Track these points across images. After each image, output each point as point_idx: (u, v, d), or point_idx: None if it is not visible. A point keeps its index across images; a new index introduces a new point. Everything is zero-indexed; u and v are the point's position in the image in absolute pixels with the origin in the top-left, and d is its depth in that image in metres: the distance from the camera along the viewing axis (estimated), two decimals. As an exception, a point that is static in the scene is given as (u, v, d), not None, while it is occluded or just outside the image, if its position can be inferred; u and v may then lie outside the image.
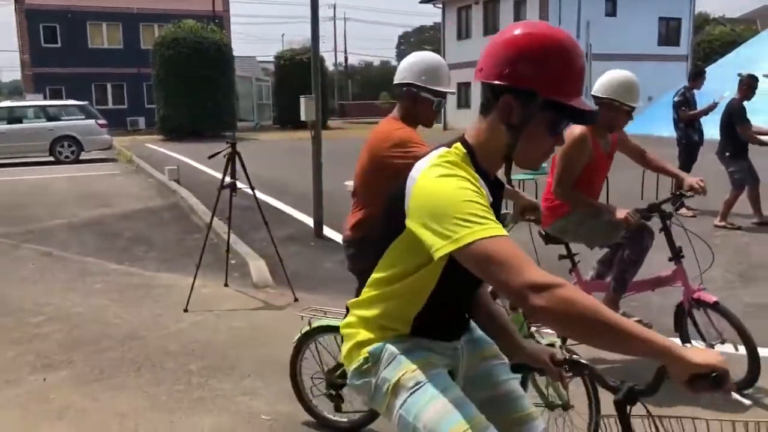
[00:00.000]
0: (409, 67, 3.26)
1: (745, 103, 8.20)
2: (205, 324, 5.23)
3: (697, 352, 1.39)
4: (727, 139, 8.29)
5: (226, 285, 6.28)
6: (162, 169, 14.69)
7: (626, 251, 3.99)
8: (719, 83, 23.73)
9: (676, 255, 3.92)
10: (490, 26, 33.70)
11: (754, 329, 3.75)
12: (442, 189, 1.58)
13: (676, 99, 9.35)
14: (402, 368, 1.77)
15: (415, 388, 1.74)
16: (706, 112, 9.07)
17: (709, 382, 1.36)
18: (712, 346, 3.81)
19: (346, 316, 1.96)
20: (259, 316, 5.44)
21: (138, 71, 37.04)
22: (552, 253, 3.98)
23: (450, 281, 1.76)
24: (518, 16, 31.63)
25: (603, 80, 3.98)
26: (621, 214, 3.79)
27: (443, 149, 1.73)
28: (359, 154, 3.41)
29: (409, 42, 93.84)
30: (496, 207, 1.77)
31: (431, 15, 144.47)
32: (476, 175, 1.65)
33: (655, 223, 4.01)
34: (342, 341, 1.96)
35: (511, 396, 1.93)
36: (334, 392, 3.37)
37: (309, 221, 9.18)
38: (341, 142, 25.70)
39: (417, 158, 3.05)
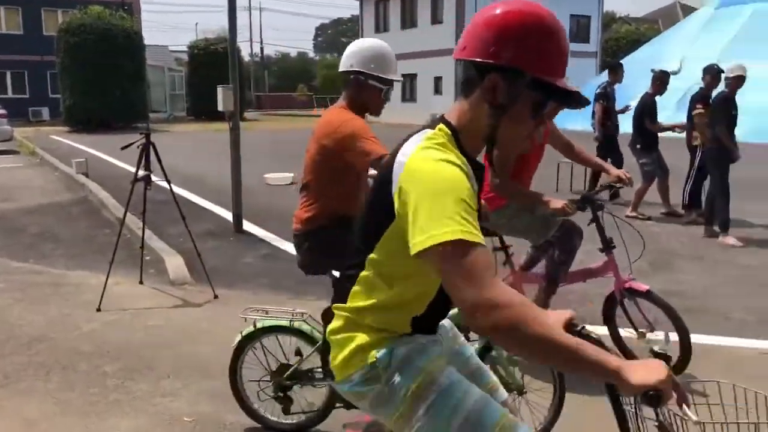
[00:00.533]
0: (356, 54, 3.16)
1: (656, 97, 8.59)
2: (119, 323, 4.99)
3: (638, 369, 1.36)
4: (639, 132, 8.64)
5: (141, 282, 6.03)
6: (69, 162, 13.99)
7: (556, 251, 4.00)
8: (627, 79, 24.83)
9: (607, 246, 3.96)
10: (408, 20, 33.94)
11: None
12: (431, 176, 1.50)
13: (597, 92, 9.63)
14: (420, 371, 1.69)
15: (439, 389, 1.68)
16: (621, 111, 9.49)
17: (646, 399, 1.35)
18: (643, 335, 3.92)
19: (328, 320, 1.84)
20: (177, 314, 5.24)
21: (41, 59, 35.17)
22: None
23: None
24: (435, 10, 31.97)
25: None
26: (558, 204, 3.80)
27: (428, 131, 1.64)
28: (307, 145, 3.27)
29: (327, 34, 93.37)
30: (477, 191, 1.69)
31: (349, 7, 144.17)
32: (464, 159, 1.59)
33: (582, 217, 4.04)
34: (330, 347, 1.81)
35: (481, 370, 1.98)
36: (282, 394, 3.26)
37: (227, 215, 8.95)
38: (259, 134, 25.31)
39: (369, 154, 2.99)
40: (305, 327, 3.22)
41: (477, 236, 1.42)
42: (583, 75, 31.83)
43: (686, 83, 17.34)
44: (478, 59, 1.58)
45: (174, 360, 4.27)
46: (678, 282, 5.94)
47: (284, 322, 3.22)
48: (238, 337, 3.29)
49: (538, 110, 1.62)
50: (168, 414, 3.57)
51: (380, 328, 1.72)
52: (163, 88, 40.25)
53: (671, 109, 16.59)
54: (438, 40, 30.71)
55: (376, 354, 1.70)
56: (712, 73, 8.16)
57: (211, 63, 34.06)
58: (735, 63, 7.72)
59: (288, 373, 3.22)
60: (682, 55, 22.53)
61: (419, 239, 1.43)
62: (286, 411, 3.25)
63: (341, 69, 3.19)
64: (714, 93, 8.08)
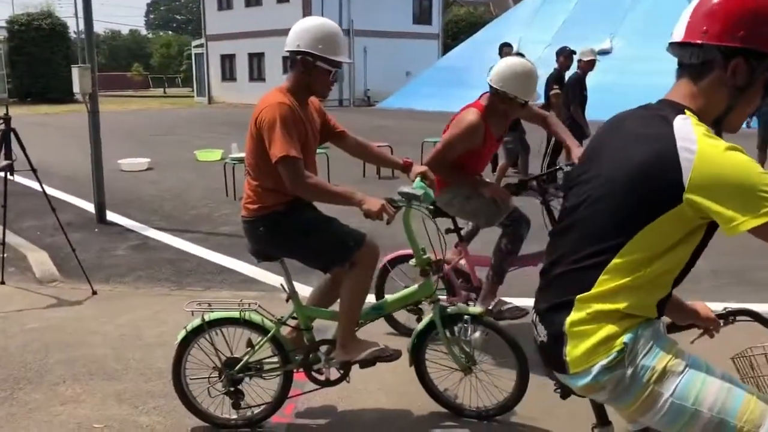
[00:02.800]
0: (304, 34, 2.99)
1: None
2: (-11, 329, 4.51)
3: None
4: None
5: (2, 282, 5.47)
6: None
7: (503, 241, 3.95)
8: (468, 61, 25.93)
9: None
10: (253, -2, 33.10)
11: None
12: (735, 161, 1.54)
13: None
14: (664, 354, 1.67)
15: (684, 372, 1.66)
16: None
17: None
18: None
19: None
20: (55, 315, 4.82)
21: None
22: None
23: (694, 257, 1.71)
24: (279, -12, 31.43)
25: (498, 69, 3.87)
26: (488, 192, 3.85)
27: (684, 116, 1.64)
28: (248, 127, 3.08)
29: (159, 10, 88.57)
30: None
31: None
32: None
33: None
34: (566, 340, 1.73)
35: None
36: (233, 389, 3.11)
37: (86, 205, 8.36)
38: (100, 117, 23.64)
39: (275, 151, 2.88)
40: (256, 317, 3.10)
41: None
42: (426, 56, 32.91)
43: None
44: (727, 44, 1.61)
45: (66, 364, 3.93)
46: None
47: (234, 314, 3.09)
48: (183, 333, 3.10)
49: None
50: (74, 423, 3.29)
51: (630, 314, 1.69)
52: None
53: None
54: (285, 19, 30.09)
55: (624, 339, 1.67)
56: (565, 54, 8.74)
57: (35, 40, 31.33)
58: (587, 47, 8.32)
59: (239, 366, 3.09)
60: (519, 37, 23.85)
61: (740, 219, 1.51)
62: (237, 406, 3.13)
63: (286, 49, 3.01)
64: (567, 74, 8.68)
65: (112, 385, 3.67)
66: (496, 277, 4.02)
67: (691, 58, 1.68)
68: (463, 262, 4.19)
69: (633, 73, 18.60)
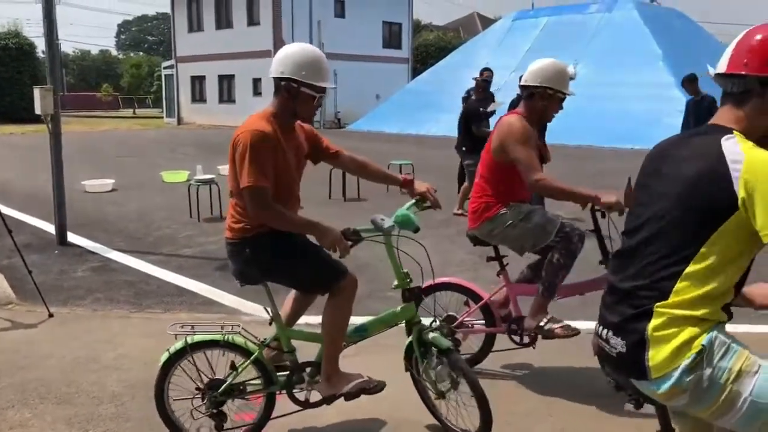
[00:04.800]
0: (287, 60, 3.02)
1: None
2: (-62, 353, 4.42)
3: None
4: (464, 135, 9.11)
5: (-45, 305, 5.38)
6: None
7: (556, 255, 3.74)
8: (437, 85, 26.28)
9: (607, 258, 3.73)
10: (223, 20, 33.16)
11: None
12: None
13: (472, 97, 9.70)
14: (739, 355, 1.82)
15: (759, 372, 1.80)
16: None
17: None
18: None
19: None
20: (7, 338, 4.75)
21: None
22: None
23: (750, 262, 1.88)
24: (251, 10, 31.56)
25: (534, 69, 3.85)
26: (611, 197, 3.53)
27: (731, 135, 1.86)
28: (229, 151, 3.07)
29: (130, 31, 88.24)
30: None
31: (154, 4, 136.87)
32: None
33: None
34: (649, 345, 1.86)
35: None
36: (215, 410, 3.10)
37: (46, 227, 8.25)
38: (67, 138, 23.23)
39: (241, 181, 2.90)
40: (239, 339, 3.10)
41: None
42: (396, 80, 33.28)
43: (494, 89, 18.68)
44: (765, 74, 1.86)
45: (17, 388, 3.87)
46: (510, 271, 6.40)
47: (216, 336, 3.08)
48: (166, 355, 3.09)
49: None
50: (22, 447, 3.25)
51: (706, 318, 1.83)
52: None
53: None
54: (255, 42, 30.33)
55: (702, 341, 1.80)
56: (524, 80, 8.89)
57: (2, 59, 30.94)
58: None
59: (222, 388, 3.09)
60: (486, 62, 24.26)
61: None
62: (220, 428, 3.12)
63: (272, 75, 3.05)
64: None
65: (63, 409, 3.62)
66: (547, 291, 3.81)
67: (734, 87, 1.92)
68: (505, 291, 4.04)
69: (597, 98, 18.99)
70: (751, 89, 1.88)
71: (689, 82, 10.36)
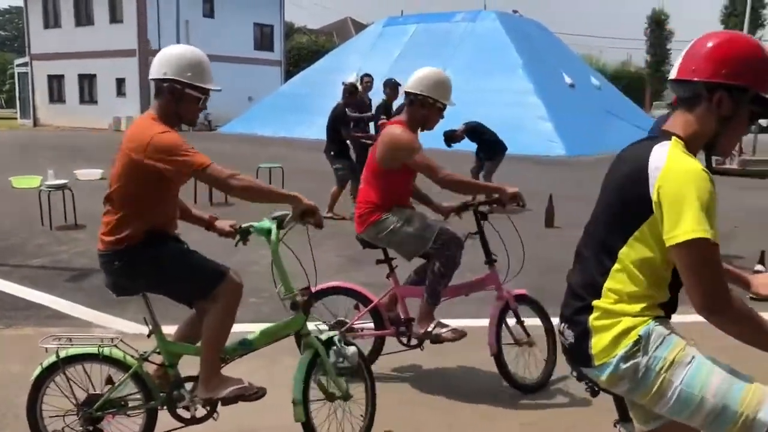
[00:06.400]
0: (171, 61, 2.92)
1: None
2: None
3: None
4: (332, 140, 9.16)
5: None
6: None
7: (436, 264, 3.85)
8: (309, 88, 26.28)
9: (490, 258, 3.95)
10: (83, 17, 31.46)
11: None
12: (690, 179, 1.82)
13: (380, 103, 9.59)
14: (674, 346, 1.92)
15: (691, 363, 1.89)
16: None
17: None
18: (532, 344, 4.00)
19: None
20: None
21: None
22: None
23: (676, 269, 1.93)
24: (113, 7, 30.16)
25: (418, 77, 3.91)
26: (512, 189, 3.83)
27: (668, 141, 1.93)
28: (115, 155, 2.95)
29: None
30: None
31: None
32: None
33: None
34: (591, 335, 1.99)
35: None
36: (90, 428, 2.93)
37: None
38: None
39: (191, 165, 2.80)
40: (117, 353, 2.95)
41: (715, 235, 1.80)
42: (269, 82, 32.96)
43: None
44: (711, 80, 1.90)
45: None
46: (377, 273, 6.54)
47: (92, 350, 2.92)
48: (38, 370, 2.90)
49: (754, 120, 1.98)
50: None
51: (641, 314, 1.95)
52: None
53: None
54: (119, 40, 29.02)
55: (639, 332, 1.93)
56: (391, 85, 9.14)
57: None
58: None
59: (99, 403, 2.93)
60: (358, 67, 24.59)
61: (671, 233, 1.80)
62: None
63: (152, 77, 2.93)
64: (395, 104, 9.06)
65: None
66: (431, 299, 3.91)
67: (684, 92, 1.99)
68: (393, 293, 4.11)
69: (462, 104, 19.53)
70: (699, 94, 1.95)
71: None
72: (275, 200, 2.97)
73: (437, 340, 3.94)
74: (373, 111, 9.64)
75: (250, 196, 2.90)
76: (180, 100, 2.96)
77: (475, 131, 9.51)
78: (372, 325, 4.09)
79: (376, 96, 9.83)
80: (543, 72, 24.10)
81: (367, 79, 9.97)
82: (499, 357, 3.94)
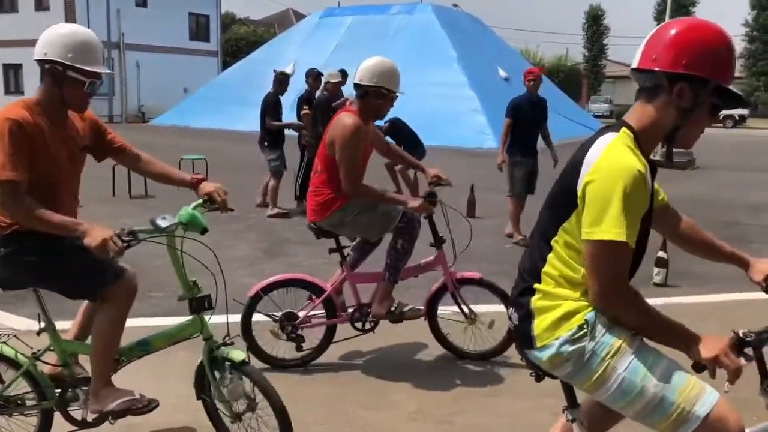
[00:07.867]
0: (52, 41, 2.69)
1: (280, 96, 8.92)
2: None
3: None
4: (264, 129, 8.93)
5: None
6: None
7: (399, 241, 3.98)
8: (246, 79, 25.91)
9: (438, 241, 4.12)
10: (6, 3, 30.31)
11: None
12: (616, 177, 1.79)
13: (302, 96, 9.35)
14: (621, 334, 1.90)
15: (637, 351, 1.89)
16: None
17: None
18: (473, 320, 4.17)
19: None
20: None
21: None
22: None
23: (639, 251, 1.92)
24: (42, -5, 29.08)
25: (369, 67, 3.95)
26: (415, 203, 3.93)
27: (614, 133, 1.89)
28: None
29: None
30: (651, 189, 1.91)
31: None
32: (644, 161, 1.85)
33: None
34: (534, 316, 1.99)
35: None
36: None
37: None
38: None
39: None
40: (8, 351, 2.81)
41: (629, 237, 1.80)
42: (205, 73, 32.36)
43: (301, 84, 18.83)
44: (671, 70, 1.83)
45: None
46: (291, 264, 6.53)
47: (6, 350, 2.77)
48: None
49: (715, 112, 1.90)
50: None
51: (580, 299, 1.94)
52: None
53: (290, 108, 17.85)
54: (45, 28, 27.78)
55: (585, 316, 1.91)
56: (313, 75, 9.07)
57: None
58: (335, 69, 8.70)
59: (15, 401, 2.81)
60: (295, 58, 24.37)
61: (588, 229, 1.82)
62: None
63: (34, 58, 2.70)
64: (317, 94, 9.01)
65: None
66: (392, 277, 4.03)
67: (645, 82, 1.92)
68: (344, 280, 4.16)
69: (399, 97, 19.75)
70: (659, 84, 1.88)
71: None
72: (62, 232, 2.65)
73: (399, 319, 4.08)
74: (295, 102, 9.44)
75: (33, 224, 2.64)
76: (62, 84, 2.72)
77: (395, 126, 9.53)
78: (324, 314, 4.13)
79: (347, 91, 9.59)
80: (478, 65, 24.37)
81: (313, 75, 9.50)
82: (431, 322, 4.21)
